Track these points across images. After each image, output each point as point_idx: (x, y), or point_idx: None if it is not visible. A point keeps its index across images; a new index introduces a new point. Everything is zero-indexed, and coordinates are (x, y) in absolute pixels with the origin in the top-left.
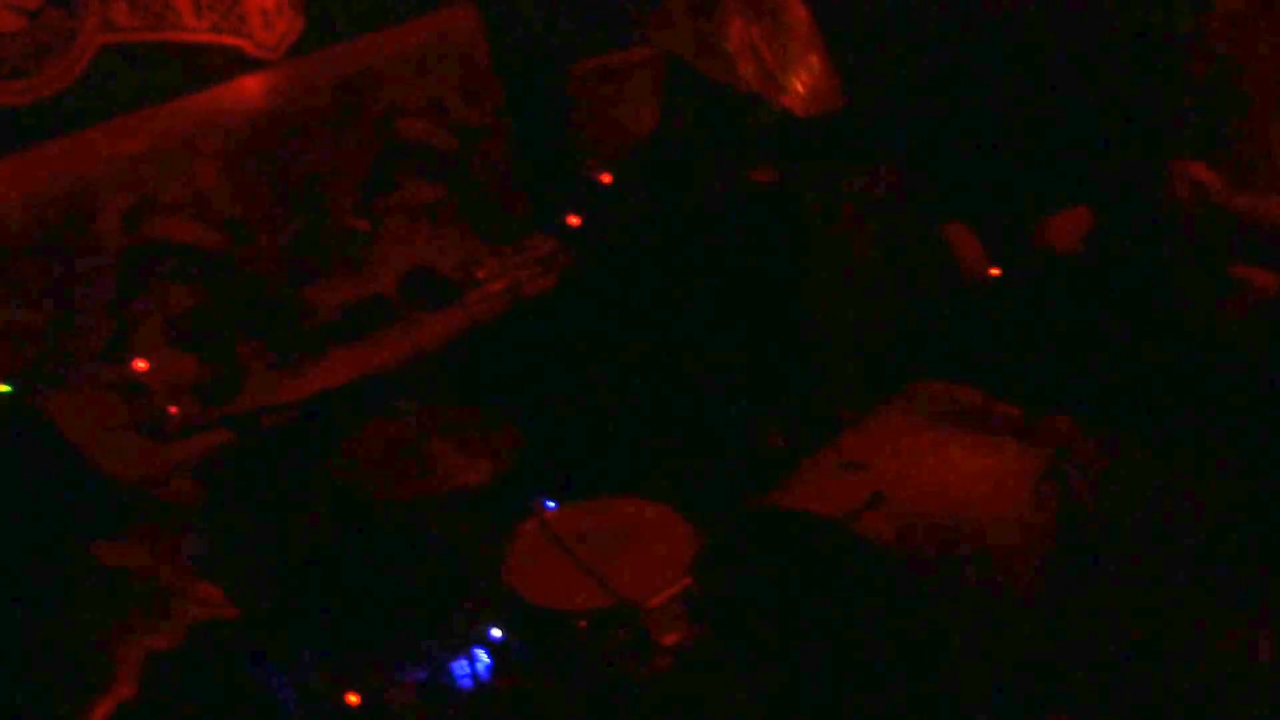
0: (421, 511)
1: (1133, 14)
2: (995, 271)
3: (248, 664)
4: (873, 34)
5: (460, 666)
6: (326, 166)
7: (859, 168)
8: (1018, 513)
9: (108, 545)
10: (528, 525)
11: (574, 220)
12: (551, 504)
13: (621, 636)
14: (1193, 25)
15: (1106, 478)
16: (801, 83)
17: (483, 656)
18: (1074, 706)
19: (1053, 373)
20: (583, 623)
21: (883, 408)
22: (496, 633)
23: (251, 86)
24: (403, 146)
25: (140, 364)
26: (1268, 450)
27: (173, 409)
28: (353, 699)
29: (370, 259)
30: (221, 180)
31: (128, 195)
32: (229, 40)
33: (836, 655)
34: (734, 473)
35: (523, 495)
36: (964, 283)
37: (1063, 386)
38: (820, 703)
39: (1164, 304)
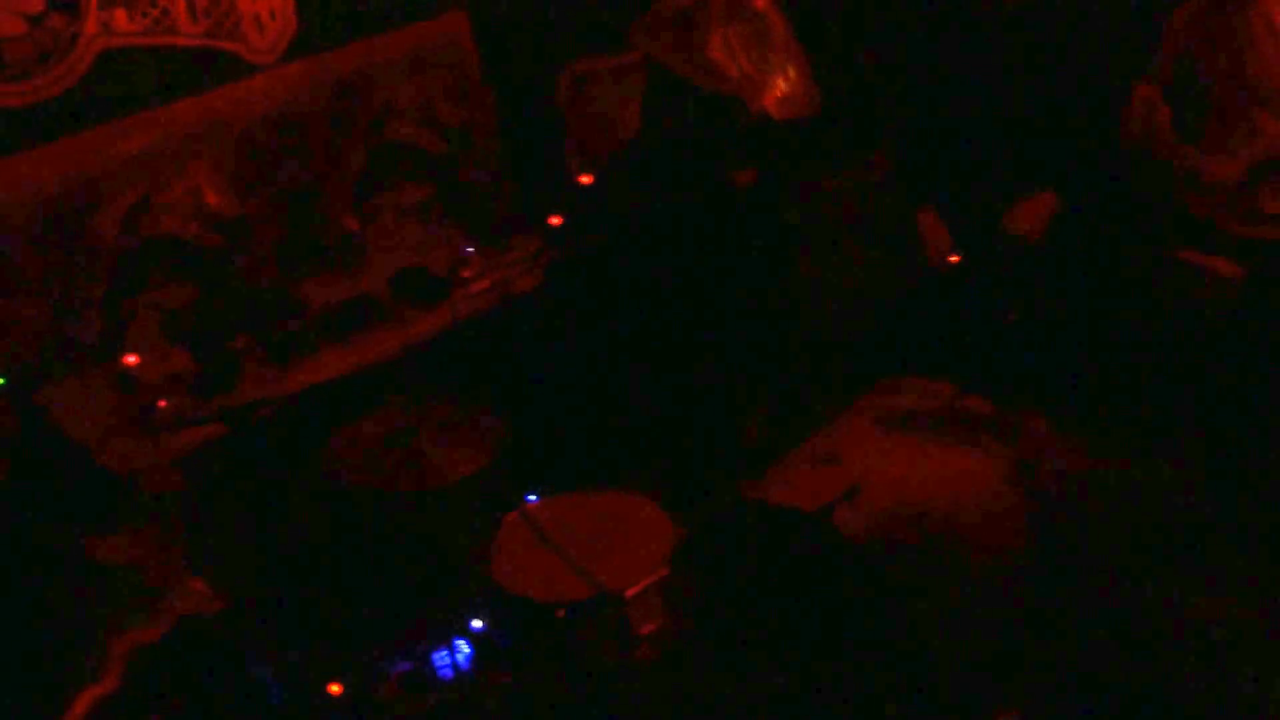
0: (408, 505)
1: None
2: (955, 258)
3: (233, 656)
4: (845, 42)
5: (442, 657)
6: (319, 168)
7: (834, 168)
8: (988, 507)
9: (98, 538)
10: (511, 517)
11: (556, 220)
12: (533, 497)
13: (601, 626)
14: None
15: (1077, 473)
16: (779, 88)
17: (464, 648)
18: (1036, 695)
19: (1024, 366)
20: (562, 612)
21: (859, 403)
22: (478, 624)
23: (246, 90)
24: (393, 148)
25: (131, 359)
26: (1231, 435)
27: (162, 402)
28: (335, 690)
29: (361, 258)
30: (217, 181)
31: (126, 195)
32: (224, 45)
33: (811, 644)
34: (713, 465)
35: (508, 488)
36: (930, 268)
37: (1034, 379)
38: (795, 691)
39: (1126, 288)
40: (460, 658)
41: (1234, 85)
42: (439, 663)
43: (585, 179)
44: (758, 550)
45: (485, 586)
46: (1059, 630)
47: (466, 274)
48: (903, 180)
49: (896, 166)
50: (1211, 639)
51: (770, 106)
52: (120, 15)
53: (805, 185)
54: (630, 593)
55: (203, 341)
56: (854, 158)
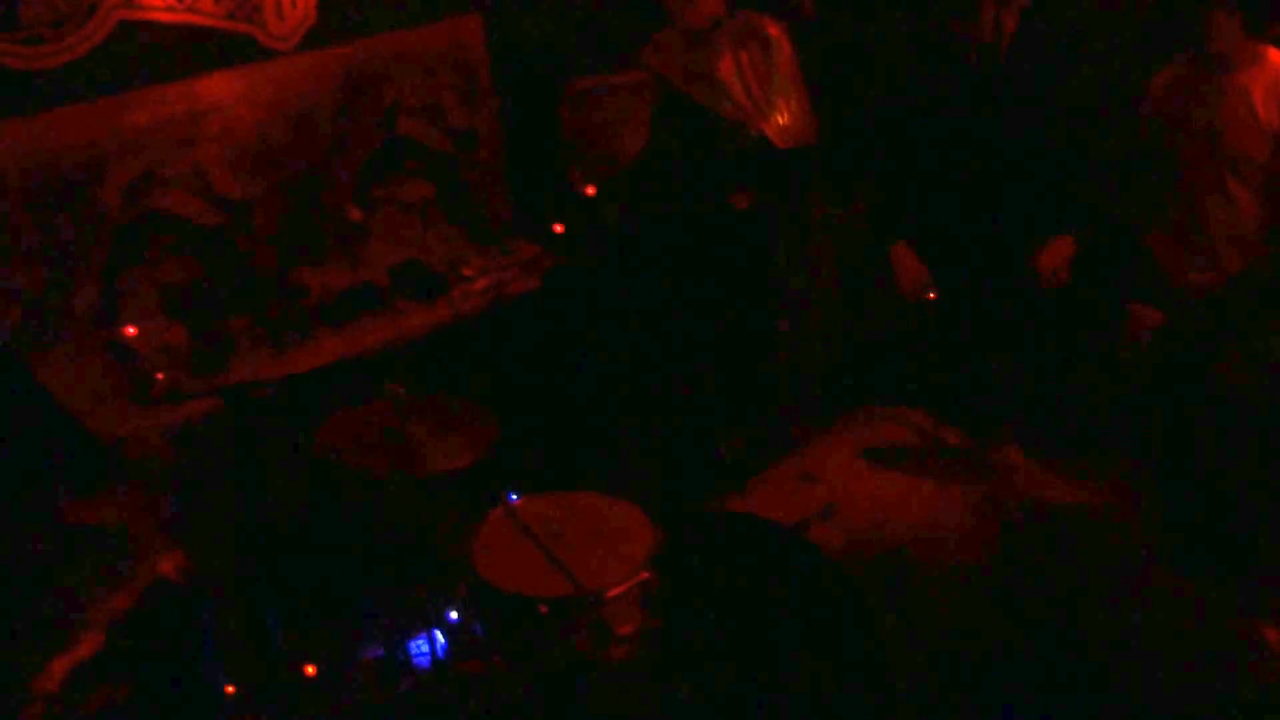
0: (395, 493)
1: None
2: (933, 295)
3: (207, 628)
4: (844, 78)
5: (418, 646)
6: (326, 156)
7: (828, 199)
8: (958, 534)
9: (81, 502)
10: (496, 513)
11: (558, 228)
12: (516, 495)
13: (579, 624)
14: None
15: (1046, 507)
16: (782, 116)
17: (439, 637)
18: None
19: (1001, 399)
20: (543, 608)
21: (839, 426)
22: (454, 615)
23: (261, 74)
24: (400, 144)
25: (130, 330)
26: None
27: (159, 375)
28: (310, 670)
29: (362, 249)
30: (224, 161)
31: (131, 167)
32: (243, 28)
33: (781, 653)
34: (696, 477)
35: (494, 484)
36: (905, 302)
37: (1009, 411)
38: (764, 698)
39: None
40: (435, 647)
41: (1207, 151)
42: (413, 651)
43: (590, 190)
44: (735, 559)
45: (466, 578)
46: (1020, 652)
47: (467, 272)
48: (882, 217)
49: (878, 204)
50: (1167, 660)
51: (772, 133)
52: None
53: (797, 214)
54: (611, 593)
55: (199, 318)
56: (845, 191)
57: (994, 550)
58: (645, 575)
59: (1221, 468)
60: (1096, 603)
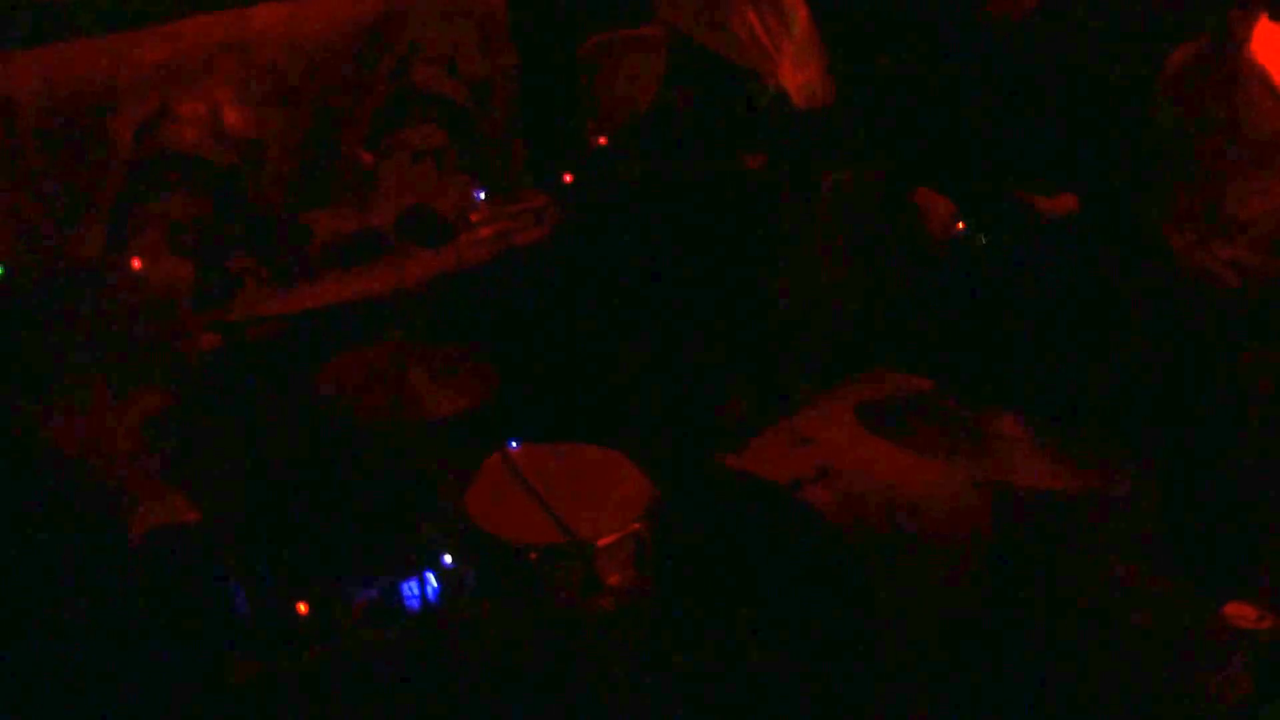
0: (392, 437)
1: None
2: (962, 225)
3: (204, 568)
4: (862, 38)
5: (410, 588)
6: (340, 99)
7: (842, 162)
8: (953, 505)
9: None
10: (493, 460)
11: (568, 178)
12: (515, 442)
13: (570, 572)
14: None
15: (1041, 483)
16: (799, 75)
17: (433, 580)
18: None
19: (1004, 369)
20: (534, 555)
21: (839, 390)
22: (448, 559)
23: (278, 13)
24: (415, 90)
25: (135, 263)
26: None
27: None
28: (302, 609)
29: (371, 193)
30: (237, 99)
31: (144, 102)
32: None
33: (772, 612)
34: (693, 433)
35: (492, 431)
36: (933, 244)
37: (1012, 383)
38: (750, 655)
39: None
40: (428, 590)
41: (1226, 138)
42: (406, 593)
43: (601, 141)
44: (728, 515)
45: (460, 524)
46: (1009, 625)
47: (474, 219)
48: (899, 177)
49: (893, 168)
50: (1148, 655)
51: (789, 92)
52: None
53: (810, 176)
54: (602, 542)
55: (206, 256)
56: (860, 154)
57: (984, 529)
58: (637, 527)
59: (1228, 468)
60: (1081, 592)
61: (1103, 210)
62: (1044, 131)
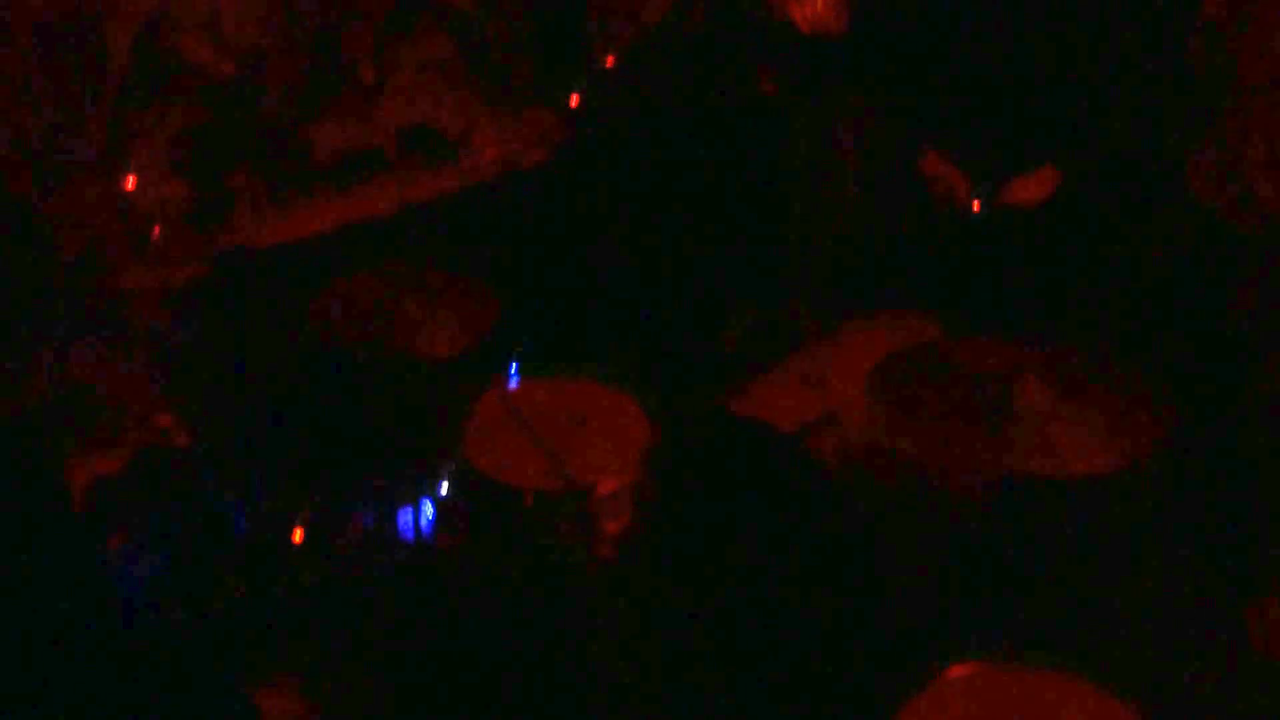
0: (390, 367)
1: None
2: (976, 207)
3: (197, 490)
4: None
5: (405, 517)
6: (342, 10)
7: (853, 93)
8: (959, 465)
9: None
10: (491, 395)
11: (574, 100)
12: (514, 377)
13: (566, 518)
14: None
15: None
16: (807, 4)
17: (428, 511)
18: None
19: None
20: (530, 499)
21: (847, 329)
22: (444, 492)
23: None
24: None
25: (129, 182)
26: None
27: (155, 229)
28: (298, 536)
29: (375, 108)
30: (239, 8)
31: (142, 8)
32: None
33: (773, 565)
34: (696, 370)
35: (492, 363)
36: (942, 208)
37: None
38: (751, 613)
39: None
40: (423, 521)
41: (1270, 75)
42: (400, 523)
43: (608, 61)
44: (730, 463)
45: (456, 461)
46: (1016, 581)
47: (478, 141)
48: (912, 114)
49: (907, 101)
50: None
51: (800, 20)
52: None
53: (820, 105)
54: (602, 490)
55: (202, 171)
56: (871, 87)
57: (992, 492)
58: (637, 473)
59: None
60: (1086, 565)
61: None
62: (1072, 66)
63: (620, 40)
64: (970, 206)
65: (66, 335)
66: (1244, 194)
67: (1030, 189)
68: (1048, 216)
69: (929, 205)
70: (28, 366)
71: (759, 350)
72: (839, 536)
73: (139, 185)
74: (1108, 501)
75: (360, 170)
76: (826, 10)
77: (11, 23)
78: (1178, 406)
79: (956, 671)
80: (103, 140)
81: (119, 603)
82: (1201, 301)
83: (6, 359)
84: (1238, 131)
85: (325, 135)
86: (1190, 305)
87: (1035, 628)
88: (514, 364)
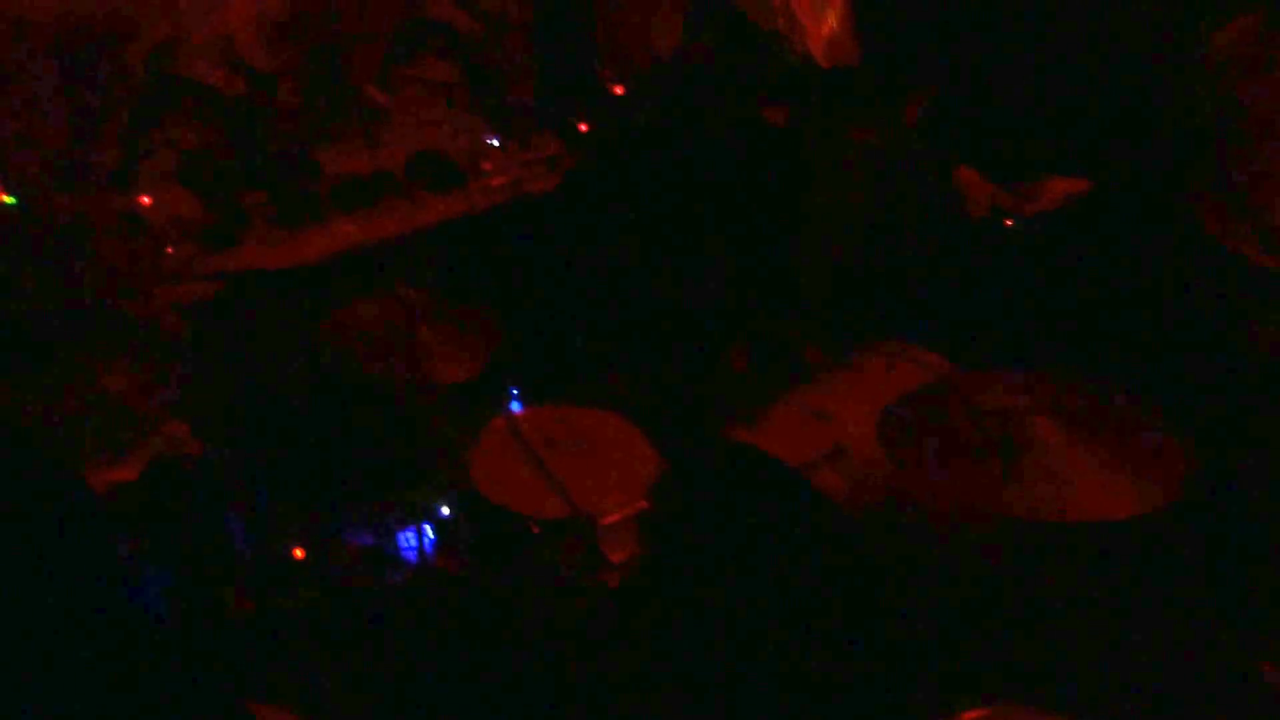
0: (397, 396)
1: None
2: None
3: (206, 501)
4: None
5: (406, 539)
6: (354, 33)
7: (866, 121)
8: (968, 505)
9: (88, 369)
10: (497, 422)
11: (583, 127)
12: (519, 405)
13: (572, 547)
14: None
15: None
16: (824, 31)
17: (429, 534)
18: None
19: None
20: (536, 527)
21: (854, 361)
22: (446, 512)
23: None
24: (427, 25)
25: (144, 200)
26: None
27: (169, 249)
28: (299, 553)
29: (383, 132)
30: (250, 31)
31: (159, 29)
32: None
33: (779, 597)
34: (702, 402)
35: (498, 390)
36: (974, 222)
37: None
38: (757, 642)
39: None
40: (424, 543)
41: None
42: (401, 544)
43: (619, 89)
44: (736, 496)
45: (461, 487)
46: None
47: (486, 166)
48: (932, 142)
49: (927, 127)
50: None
51: (813, 48)
52: None
53: (832, 135)
54: (607, 520)
55: (215, 190)
56: (887, 114)
57: (998, 534)
58: (644, 504)
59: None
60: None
61: (1126, 193)
62: (1075, 101)
63: (630, 69)
64: (1009, 219)
65: (93, 349)
66: (1261, 229)
67: (1058, 190)
68: (1064, 248)
69: (944, 229)
70: (61, 379)
71: (766, 381)
72: (846, 572)
73: (153, 203)
74: (1123, 546)
75: (370, 193)
76: (841, 39)
77: (33, 46)
78: (1197, 448)
79: (968, 717)
80: (118, 159)
81: (129, 610)
82: (1221, 338)
83: (44, 374)
84: (1249, 165)
85: (335, 158)
86: (1209, 342)
87: (1047, 672)
88: (521, 391)
